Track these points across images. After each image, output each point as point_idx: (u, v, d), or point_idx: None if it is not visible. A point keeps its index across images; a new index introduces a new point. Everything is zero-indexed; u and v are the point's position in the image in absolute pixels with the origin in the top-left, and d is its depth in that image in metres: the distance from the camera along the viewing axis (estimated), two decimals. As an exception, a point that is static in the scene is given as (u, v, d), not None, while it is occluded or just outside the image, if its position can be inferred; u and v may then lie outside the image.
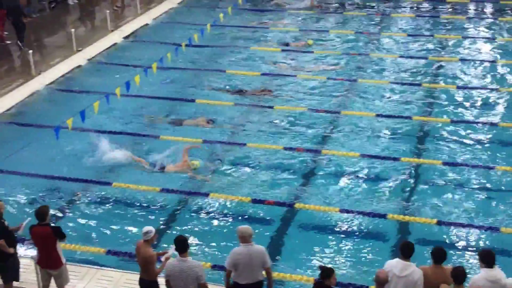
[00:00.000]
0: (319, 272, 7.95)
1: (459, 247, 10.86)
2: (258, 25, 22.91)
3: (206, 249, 10.91)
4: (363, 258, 10.71)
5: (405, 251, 7.90)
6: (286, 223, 11.78)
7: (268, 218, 11.87)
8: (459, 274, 7.57)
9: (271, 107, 16.22)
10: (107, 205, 12.37)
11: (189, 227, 11.61)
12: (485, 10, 24.14)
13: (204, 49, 20.37)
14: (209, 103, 16.44)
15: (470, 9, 24.22)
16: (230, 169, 13.51)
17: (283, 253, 10.89)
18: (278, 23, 23.22)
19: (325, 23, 23.01)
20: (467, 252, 10.68)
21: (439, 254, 7.93)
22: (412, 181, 12.93)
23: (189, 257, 8.22)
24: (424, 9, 24.34)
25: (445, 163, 13.34)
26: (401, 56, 19.43)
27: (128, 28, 22.48)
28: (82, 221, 11.91)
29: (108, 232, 11.54)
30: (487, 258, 7.77)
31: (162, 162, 13.45)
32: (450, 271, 7.86)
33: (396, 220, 11.51)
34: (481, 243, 10.89)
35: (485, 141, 14.40)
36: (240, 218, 11.79)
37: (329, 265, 9.06)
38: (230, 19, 22.94)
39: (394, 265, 7.88)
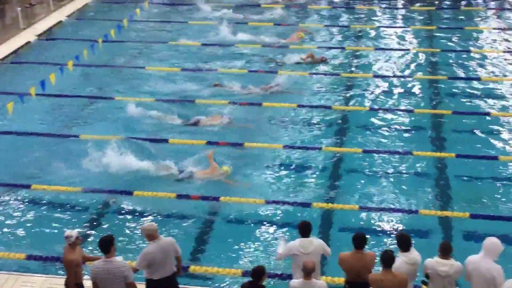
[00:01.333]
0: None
1: (382, 232, 11.12)
2: (176, 19, 22.68)
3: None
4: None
5: (443, 249, 8.02)
6: (212, 217, 11.75)
7: (193, 213, 11.79)
8: (388, 258, 7.72)
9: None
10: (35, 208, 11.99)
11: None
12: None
13: (122, 45, 20.01)
14: (128, 100, 16.12)
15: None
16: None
17: (209, 247, 10.86)
18: (196, 16, 23.06)
19: (249, 15, 23.10)
20: (389, 236, 10.95)
21: (359, 240, 8.12)
22: (334, 169, 13.15)
23: (115, 257, 8.07)
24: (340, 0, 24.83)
25: (365, 151, 13.66)
26: (319, 47, 19.72)
27: (41, 25, 21.82)
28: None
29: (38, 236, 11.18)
30: (403, 242, 8.02)
31: (191, 169, 12.96)
32: (370, 256, 8.08)
33: (320, 208, 11.69)
34: (402, 227, 11.20)
35: (402, 128, 14.83)
36: (164, 215, 11.70)
37: (260, 262, 9.13)
38: (148, 14, 22.63)
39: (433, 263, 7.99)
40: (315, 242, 8.41)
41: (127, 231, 11.29)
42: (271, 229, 11.26)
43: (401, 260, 7.91)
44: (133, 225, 11.46)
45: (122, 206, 12.01)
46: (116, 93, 16.70)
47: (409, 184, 12.59)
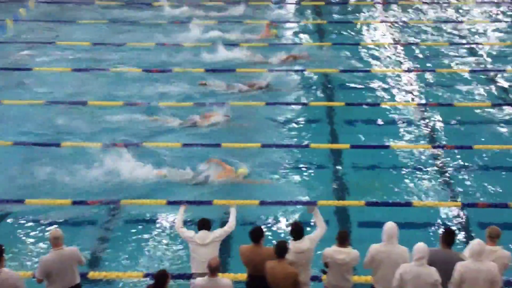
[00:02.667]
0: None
1: (281, 225, 11.27)
2: (64, 18, 21.98)
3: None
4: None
5: (341, 238, 8.17)
6: (113, 221, 11.47)
7: (93, 217, 11.47)
8: (280, 248, 7.84)
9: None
10: None
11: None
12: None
13: (7, 46, 19.15)
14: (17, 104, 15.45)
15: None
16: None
17: (111, 252, 10.61)
18: (84, 15, 22.41)
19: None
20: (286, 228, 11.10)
21: (256, 233, 8.19)
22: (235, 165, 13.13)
23: (3, 268, 7.68)
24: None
25: (264, 145, 13.74)
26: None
27: None
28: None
29: None
30: (294, 230, 8.23)
31: (207, 173, 12.60)
32: (268, 250, 8.14)
33: (220, 205, 11.63)
34: (302, 218, 11.37)
35: (297, 121, 15.06)
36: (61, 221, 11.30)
37: (162, 264, 9.16)
38: (33, 14, 21.78)
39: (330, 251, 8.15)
40: (212, 235, 8.56)
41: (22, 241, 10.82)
42: (173, 230, 11.13)
43: (290, 251, 8.08)
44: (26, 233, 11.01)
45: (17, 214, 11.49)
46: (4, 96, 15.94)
47: (307, 176, 12.81)
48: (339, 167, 13.11)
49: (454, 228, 10.59)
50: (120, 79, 17.29)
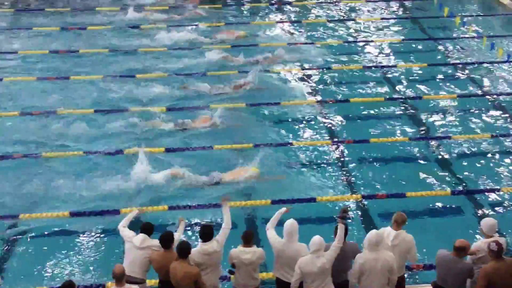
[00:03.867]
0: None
1: (190, 228, 11.30)
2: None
3: None
4: (98, 257, 10.67)
5: (246, 238, 8.30)
6: (14, 237, 11.14)
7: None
8: (182, 249, 7.91)
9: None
10: None
11: None
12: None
13: None
14: None
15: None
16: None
17: (14, 268, 10.35)
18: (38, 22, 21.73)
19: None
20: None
21: (166, 239, 8.21)
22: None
23: None
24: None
25: (167, 149, 13.72)
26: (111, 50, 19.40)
27: None
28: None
29: None
30: (202, 232, 8.31)
31: (217, 174, 12.63)
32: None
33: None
34: (208, 220, 11.48)
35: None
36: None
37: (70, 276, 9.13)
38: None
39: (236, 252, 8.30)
40: (150, 242, 8.56)
41: None
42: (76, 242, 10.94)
43: (197, 250, 8.19)
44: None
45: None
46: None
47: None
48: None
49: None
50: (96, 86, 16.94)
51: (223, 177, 12.67)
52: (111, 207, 11.64)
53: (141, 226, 8.71)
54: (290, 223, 8.34)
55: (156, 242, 8.45)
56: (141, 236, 8.53)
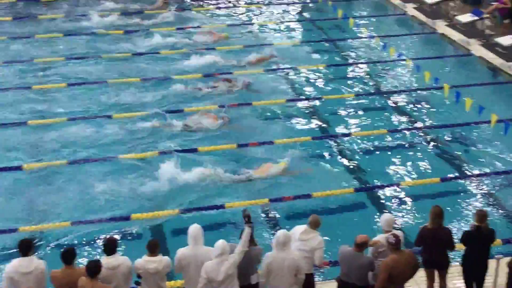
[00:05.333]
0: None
1: (93, 244, 11.10)
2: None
3: None
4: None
5: (151, 247, 8.19)
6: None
7: None
8: (91, 268, 7.72)
9: None
10: None
11: None
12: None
13: None
14: None
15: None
16: None
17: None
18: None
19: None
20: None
21: (68, 255, 8.00)
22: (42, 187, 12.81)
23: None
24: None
25: (70, 162, 13.50)
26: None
27: None
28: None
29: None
30: (105, 246, 8.17)
31: (247, 171, 12.97)
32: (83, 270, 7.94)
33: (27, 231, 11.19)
34: (116, 234, 11.28)
35: (101, 132, 14.84)
36: None
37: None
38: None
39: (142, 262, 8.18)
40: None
41: None
42: None
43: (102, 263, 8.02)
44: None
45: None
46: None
47: (119, 190, 12.65)
48: (150, 177, 13.12)
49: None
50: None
51: (253, 173, 12.99)
52: (148, 209, 11.88)
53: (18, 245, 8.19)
54: (194, 227, 8.34)
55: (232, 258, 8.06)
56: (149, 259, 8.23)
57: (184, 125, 15.04)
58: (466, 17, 21.71)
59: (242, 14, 24.07)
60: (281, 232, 8.37)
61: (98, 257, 8.16)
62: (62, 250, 8.19)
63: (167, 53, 19.69)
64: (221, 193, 12.54)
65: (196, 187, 12.68)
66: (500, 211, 12.13)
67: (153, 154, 13.78)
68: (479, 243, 8.79)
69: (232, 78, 17.55)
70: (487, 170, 13.50)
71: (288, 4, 25.51)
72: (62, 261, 8.01)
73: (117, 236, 10.95)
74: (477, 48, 19.96)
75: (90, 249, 10.97)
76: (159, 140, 14.57)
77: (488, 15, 21.77)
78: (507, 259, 8.91)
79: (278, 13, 24.46)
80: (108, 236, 10.38)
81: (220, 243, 8.05)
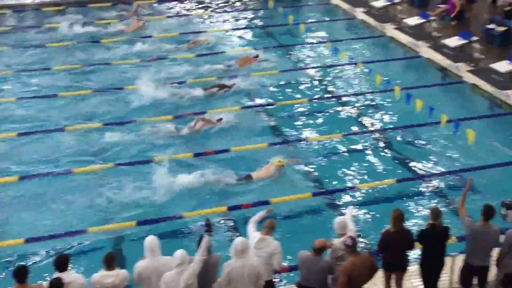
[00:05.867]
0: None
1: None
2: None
3: None
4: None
5: (107, 261, 8.13)
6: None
7: None
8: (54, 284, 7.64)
9: None
10: None
11: None
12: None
13: None
14: None
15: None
16: None
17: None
18: None
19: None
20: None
21: (20, 273, 7.84)
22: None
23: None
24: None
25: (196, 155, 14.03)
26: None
27: None
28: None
29: None
30: (57, 263, 8.05)
31: (247, 173, 13.25)
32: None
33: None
34: (72, 249, 11.12)
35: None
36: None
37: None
38: None
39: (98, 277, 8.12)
40: None
41: None
42: None
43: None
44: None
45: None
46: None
47: (68, 206, 12.51)
48: (98, 190, 12.99)
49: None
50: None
51: (254, 175, 13.29)
52: (146, 216, 11.99)
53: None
54: (150, 238, 8.29)
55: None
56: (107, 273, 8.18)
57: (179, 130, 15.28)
58: (413, 20, 22.20)
59: (193, 22, 24.02)
60: (239, 240, 8.38)
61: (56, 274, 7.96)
62: (14, 268, 8.03)
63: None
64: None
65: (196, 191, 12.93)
66: (454, 209, 12.39)
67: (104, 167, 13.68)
68: (435, 241, 8.97)
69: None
70: (440, 169, 13.79)
71: (239, 11, 25.64)
72: (15, 280, 7.85)
73: (70, 251, 10.87)
74: (425, 50, 20.41)
75: (45, 266, 10.73)
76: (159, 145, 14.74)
77: (435, 18, 22.29)
78: (462, 256, 9.15)
79: (229, 21, 24.56)
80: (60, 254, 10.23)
81: (179, 253, 8.00)
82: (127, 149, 14.62)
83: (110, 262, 8.14)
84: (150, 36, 21.99)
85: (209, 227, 8.47)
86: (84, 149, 14.63)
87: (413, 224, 11.54)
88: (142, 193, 12.73)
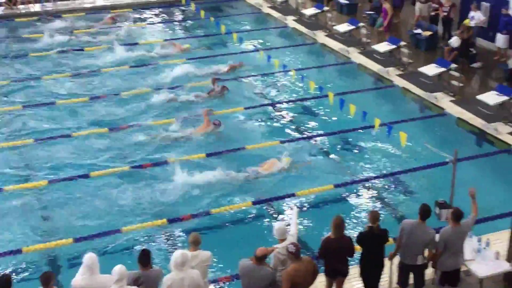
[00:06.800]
0: None
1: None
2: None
3: None
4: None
5: (44, 280, 7.89)
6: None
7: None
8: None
9: None
10: None
11: None
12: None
13: None
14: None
15: None
16: None
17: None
18: None
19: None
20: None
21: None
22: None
23: None
24: None
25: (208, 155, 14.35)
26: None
27: None
28: None
29: None
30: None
31: (254, 169, 13.77)
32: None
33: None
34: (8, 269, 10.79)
35: None
36: None
37: None
38: None
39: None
40: None
41: None
42: None
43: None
44: None
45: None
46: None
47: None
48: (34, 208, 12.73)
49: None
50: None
51: (259, 170, 13.78)
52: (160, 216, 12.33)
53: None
54: (89, 256, 8.10)
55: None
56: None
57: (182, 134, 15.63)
58: (343, 27, 22.64)
59: (124, 35, 23.78)
60: (178, 253, 8.28)
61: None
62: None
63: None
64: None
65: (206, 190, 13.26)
66: (391, 211, 12.67)
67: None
68: (373, 243, 9.13)
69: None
70: (376, 173, 14.07)
71: (171, 22, 25.54)
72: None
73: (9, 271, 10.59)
74: (356, 56, 20.85)
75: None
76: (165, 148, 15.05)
77: (363, 24, 22.79)
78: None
79: (161, 32, 24.44)
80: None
81: (118, 268, 7.87)
82: (138, 152, 14.94)
83: (47, 280, 7.85)
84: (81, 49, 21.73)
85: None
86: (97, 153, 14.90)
87: (352, 228, 11.71)
88: (161, 193, 13.11)
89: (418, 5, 23.04)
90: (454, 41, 19.71)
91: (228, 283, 10.32)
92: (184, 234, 11.86)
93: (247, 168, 13.83)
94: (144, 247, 9.63)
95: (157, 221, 12.14)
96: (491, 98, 16.09)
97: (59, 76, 19.52)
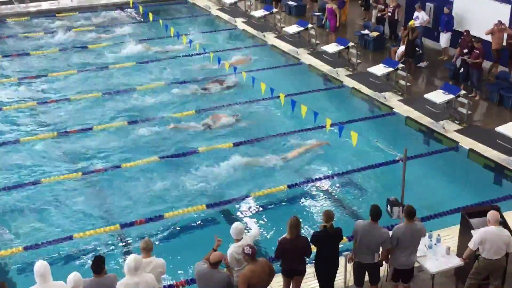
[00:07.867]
0: None
1: None
2: None
3: None
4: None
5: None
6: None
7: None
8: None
9: None
10: None
11: None
12: None
13: None
14: None
15: None
16: None
17: None
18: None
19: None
20: None
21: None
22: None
23: None
24: None
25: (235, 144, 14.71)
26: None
27: None
28: None
29: None
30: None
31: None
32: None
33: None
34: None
35: None
36: None
37: None
38: None
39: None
40: None
41: None
42: None
43: None
44: None
45: None
46: None
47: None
48: None
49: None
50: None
51: (289, 156, 14.73)
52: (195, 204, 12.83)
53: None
54: (40, 264, 7.86)
55: None
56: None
57: (204, 124, 16.36)
58: (292, 28, 22.77)
59: (75, 39, 23.49)
60: (131, 257, 8.19)
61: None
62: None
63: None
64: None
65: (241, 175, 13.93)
66: (344, 210, 12.82)
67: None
68: (328, 242, 9.21)
69: (223, 79, 19.05)
70: (329, 172, 14.22)
71: (121, 25, 25.30)
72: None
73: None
74: (306, 57, 21.04)
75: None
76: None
77: (312, 25, 22.98)
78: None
79: (113, 36, 24.16)
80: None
81: (72, 276, 7.77)
82: (164, 143, 15.53)
83: None
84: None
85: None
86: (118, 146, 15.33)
87: (308, 227, 11.81)
88: (196, 181, 13.63)
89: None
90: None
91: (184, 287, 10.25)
92: (138, 239, 11.79)
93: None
94: (97, 254, 9.51)
95: (110, 227, 11.99)
96: (438, 96, 16.45)
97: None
